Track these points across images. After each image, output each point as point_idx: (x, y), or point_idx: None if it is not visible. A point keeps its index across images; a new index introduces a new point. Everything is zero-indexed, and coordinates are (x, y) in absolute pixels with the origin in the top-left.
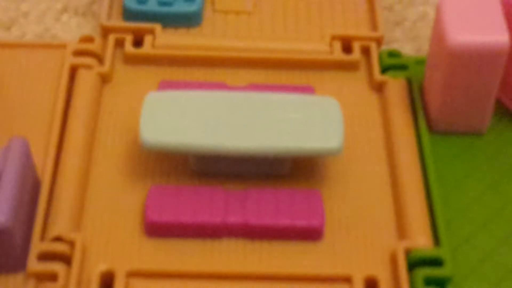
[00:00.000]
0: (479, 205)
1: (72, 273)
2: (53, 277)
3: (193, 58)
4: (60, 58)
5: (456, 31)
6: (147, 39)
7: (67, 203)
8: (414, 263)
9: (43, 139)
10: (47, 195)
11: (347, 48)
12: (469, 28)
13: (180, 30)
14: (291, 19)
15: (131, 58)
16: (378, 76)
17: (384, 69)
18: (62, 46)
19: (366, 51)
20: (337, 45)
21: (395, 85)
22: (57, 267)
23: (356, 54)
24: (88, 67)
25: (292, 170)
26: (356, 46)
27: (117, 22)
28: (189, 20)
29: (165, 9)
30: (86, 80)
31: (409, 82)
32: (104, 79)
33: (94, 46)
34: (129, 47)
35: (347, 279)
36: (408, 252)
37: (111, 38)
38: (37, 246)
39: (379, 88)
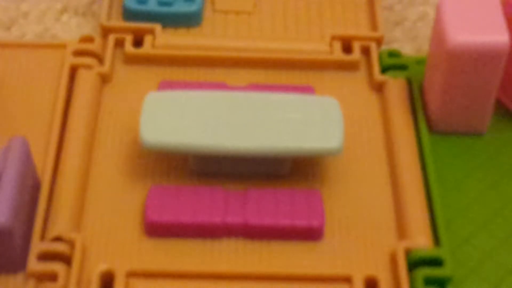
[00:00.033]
0: (479, 205)
1: (72, 273)
2: (53, 277)
3: (193, 58)
4: (60, 58)
5: (456, 31)
6: (147, 39)
7: (67, 203)
8: (414, 263)
9: (43, 139)
10: (47, 195)
11: (347, 48)
12: (469, 28)
13: (180, 30)
14: (291, 19)
15: (131, 58)
16: (378, 76)
17: (384, 69)
18: (62, 46)
19: (366, 51)
20: (337, 45)
21: (395, 85)
22: (57, 267)
23: (356, 54)
24: (88, 67)
25: (292, 170)
26: (356, 46)
27: (117, 22)
28: (189, 20)
29: (165, 9)
30: (86, 80)
31: (409, 82)
32: (104, 79)
33: (94, 46)
34: (129, 47)
35: (347, 279)
36: (408, 252)
37: (111, 38)
38: (37, 246)
39: (379, 88)
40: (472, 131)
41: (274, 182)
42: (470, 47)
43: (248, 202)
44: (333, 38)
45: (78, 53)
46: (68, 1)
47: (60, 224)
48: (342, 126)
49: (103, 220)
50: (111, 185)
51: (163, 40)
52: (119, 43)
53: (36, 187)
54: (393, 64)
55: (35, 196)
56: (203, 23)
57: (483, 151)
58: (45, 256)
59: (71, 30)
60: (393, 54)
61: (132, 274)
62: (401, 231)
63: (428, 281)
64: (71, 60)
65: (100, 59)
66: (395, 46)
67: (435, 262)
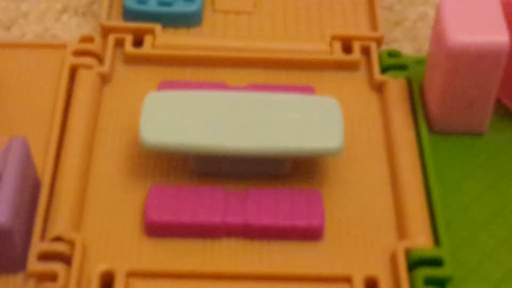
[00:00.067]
0: (479, 205)
1: (72, 273)
2: (53, 277)
3: (193, 58)
4: (60, 58)
5: (456, 31)
6: (147, 39)
7: (67, 203)
8: (414, 263)
9: (43, 139)
10: (47, 195)
11: (347, 48)
12: (469, 28)
13: (180, 30)
14: (291, 19)
15: (131, 58)
16: (378, 76)
17: (384, 69)
18: (62, 46)
19: (366, 51)
20: (337, 45)
21: (395, 85)
22: (57, 267)
23: (356, 54)
24: (88, 67)
25: (292, 170)
26: (356, 46)
27: (117, 22)
28: (189, 20)
29: (165, 9)
30: (86, 80)
31: (409, 82)
32: (104, 79)
33: (94, 46)
34: (129, 47)
35: (347, 279)
36: (408, 252)
37: (111, 38)
38: (37, 246)
39: (379, 88)
40: (472, 131)
41: (274, 182)
42: (470, 47)
43: (248, 202)
44: (333, 38)
45: (78, 53)
46: (68, 1)
47: (60, 224)
48: (342, 126)
49: (103, 220)
50: (111, 185)
51: (163, 40)
52: (119, 43)
53: (36, 187)
54: (393, 64)
55: (35, 196)
56: (203, 23)
57: (483, 151)
58: (45, 256)
59: (71, 30)
60: (393, 54)
61: (132, 274)
62: (401, 231)
63: (428, 281)
64: (71, 60)
65: (100, 59)
66: (395, 46)
67: (435, 262)
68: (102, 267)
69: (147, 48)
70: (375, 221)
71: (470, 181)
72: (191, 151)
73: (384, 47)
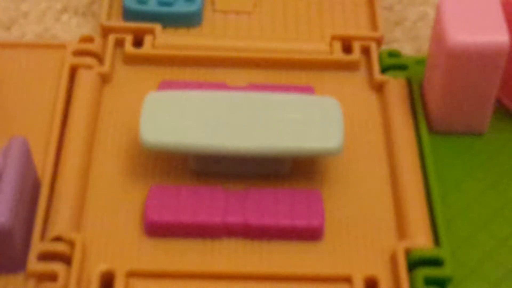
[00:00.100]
0: (479, 205)
1: (72, 273)
2: (53, 277)
3: (193, 58)
4: (60, 58)
5: (456, 31)
6: (147, 39)
7: (67, 203)
8: (414, 263)
9: (43, 139)
10: (47, 195)
11: (347, 48)
12: (469, 28)
13: (180, 30)
14: (291, 19)
15: (131, 58)
16: (378, 76)
17: (384, 69)
18: (62, 46)
19: (366, 51)
20: (337, 45)
21: (395, 85)
22: (57, 267)
23: (356, 54)
24: (88, 67)
25: (292, 170)
26: (356, 46)
27: (117, 22)
28: (189, 20)
29: (165, 9)
30: (86, 80)
31: (409, 82)
32: (104, 79)
33: (94, 46)
34: (129, 47)
35: (347, 279)
36: (408, 252)
37: (111, 38)
38: (37, 246)
39: (379, 88)
40: (472, 131)
41: (274, 182)
42: (470, 47)
43: (248, 202)
44: (333, 38)
45: (78, 53)
46: (68, 1)
47: (60, 224)
48: (342, 126)
49: (103, 220)
50: (111, 185)
51: (163, 40)
52: (119, 43)
53: (36, 187)
54: (393, 64)
55: (35, 196)
56: (203, 23)
57: (483, 151)
58: (45, 256)
59: (71, 30)
60: (393, 54)
61: (132, 274)
62: (401, 231)
63: (428, 281)
64: (71, 60)
65: (100, 59)
66: (395, 46)
67: (435, 262)
68: (102, 267)
69: (147, 48)
70: (375, 221)
71: (470, 181)
72: (191, 151)
73: (384, 47)
